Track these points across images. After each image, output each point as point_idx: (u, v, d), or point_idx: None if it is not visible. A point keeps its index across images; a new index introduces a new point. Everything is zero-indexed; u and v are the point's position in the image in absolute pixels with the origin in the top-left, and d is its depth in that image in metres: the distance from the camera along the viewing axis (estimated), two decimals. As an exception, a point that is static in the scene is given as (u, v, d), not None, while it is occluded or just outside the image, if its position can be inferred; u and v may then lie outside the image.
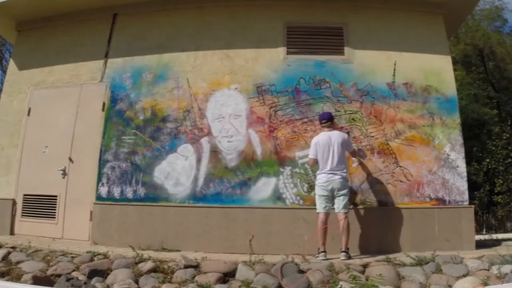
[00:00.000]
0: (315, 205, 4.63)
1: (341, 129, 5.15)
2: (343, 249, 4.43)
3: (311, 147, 4.75)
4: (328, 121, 4.80)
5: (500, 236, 8.63)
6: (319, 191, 4.61)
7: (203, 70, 5.64)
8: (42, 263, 4.21)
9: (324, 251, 4.44)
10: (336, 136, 4.66)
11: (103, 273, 3.92)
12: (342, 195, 4.53)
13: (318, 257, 4.41)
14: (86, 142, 5.72)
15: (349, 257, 4.39)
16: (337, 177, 4.53)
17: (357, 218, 4.96)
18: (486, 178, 14.19)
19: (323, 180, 4.57)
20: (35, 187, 5.80)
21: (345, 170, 4.61)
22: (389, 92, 5.36)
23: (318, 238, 4.48)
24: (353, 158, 5.06)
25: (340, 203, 4.53)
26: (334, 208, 4.58)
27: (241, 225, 4.68)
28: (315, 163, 4.73)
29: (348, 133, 5.14)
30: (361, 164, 5.13)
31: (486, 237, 8.47)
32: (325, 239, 4.48)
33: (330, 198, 4.57)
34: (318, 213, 4.57)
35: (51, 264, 4.19)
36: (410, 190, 5.07)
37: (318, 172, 4.68)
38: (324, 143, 4.62)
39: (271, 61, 5.55)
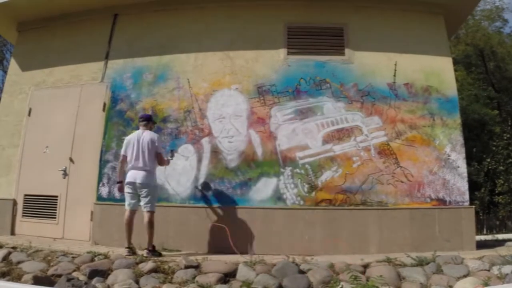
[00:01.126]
0: (315, 205, 4.62)
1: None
2: (146, 247, 4.50)
3: (123, 145, 4.82)
4: (145, 121, 4.82)
5: (501, 236, 8.62)
6: (125, 188, 4.69)
7: (203, 70, 5.64)
8: (43, 263, 4.20)
9: (129, 247, 4.52)
10: (145, 135, 4.70)
11: (103, 273, 3.91)
12: (144, 193, 4.57)
13: (124, 252, 4.45)
14: (87, 143, 5.72)
15: (153, 255, 4.42)
16: (138, 175, 4.57)
17: (358, 219, 4.95)
18: (487, 178, 14.20)
19: (127, 178, 4.64)
20: (35, 187, 5.80)
21: (148, 169, 4.60)
22: (389, 92, 5.36)
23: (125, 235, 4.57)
24: (160, 162, 4.83)
25: (143, 201, 4.59)
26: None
27: (241, 225, 4.68)
28: (124, 160, 4.75)
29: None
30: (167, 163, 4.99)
31: (487, 237, 8.45)
32: (130, 236, 4.56)
33: (135, 195, 4.62)
34: (125, 209, 4.65)
35: (51, 264, 4.18)
36: (411, 191, 5.07)
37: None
38: (132, 141, 4.69)
39: (272, 62, 5.55)
